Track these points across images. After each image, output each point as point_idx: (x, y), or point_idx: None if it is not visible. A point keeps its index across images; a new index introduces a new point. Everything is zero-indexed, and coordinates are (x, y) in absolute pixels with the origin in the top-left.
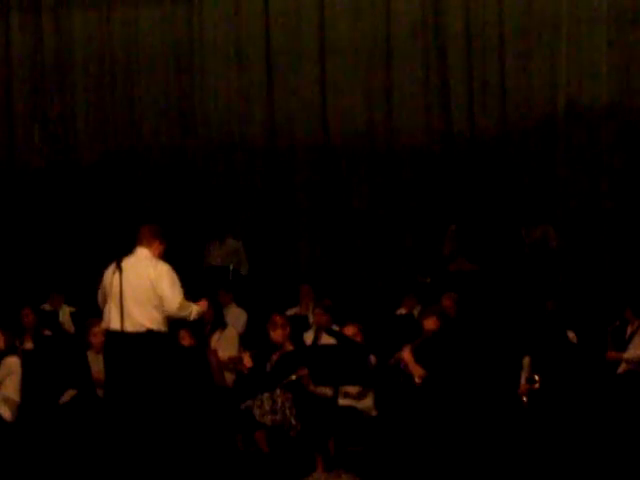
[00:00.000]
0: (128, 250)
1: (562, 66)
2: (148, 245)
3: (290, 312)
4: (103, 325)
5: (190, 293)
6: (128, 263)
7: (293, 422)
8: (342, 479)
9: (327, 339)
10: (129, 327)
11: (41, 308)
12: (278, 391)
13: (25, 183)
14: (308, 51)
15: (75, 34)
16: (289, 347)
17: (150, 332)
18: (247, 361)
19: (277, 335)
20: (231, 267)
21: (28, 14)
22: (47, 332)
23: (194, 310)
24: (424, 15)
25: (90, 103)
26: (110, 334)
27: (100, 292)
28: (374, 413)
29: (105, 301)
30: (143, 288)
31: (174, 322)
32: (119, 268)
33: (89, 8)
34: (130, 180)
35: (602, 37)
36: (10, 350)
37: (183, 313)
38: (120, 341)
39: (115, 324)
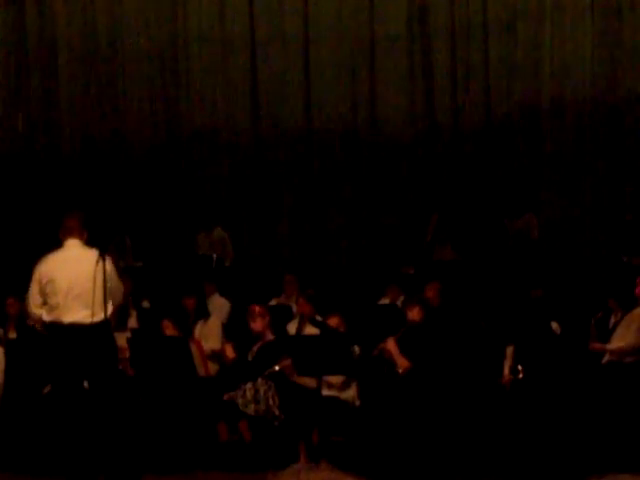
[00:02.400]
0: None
1: (546, 58)
2: (80, 235)
3: (273, 302)
4: (52, 318)
5: (180, 282)
6: (68, 255)
7: (276, 412)
8: (322, 470)
9: (311, 329)
10: (76, 318)
11: (25, 298)
12: (260, 381)
13: (8, 171)
14: (292, 41)
15: (59, 21)
16: (270, 336)
17: (96, 322)
18: (230, 352)
19: (257, 325)
20: (214, 256)
21: (11, 2)
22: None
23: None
24: (409, 5)
25: (74, 91)
26: (66, 327)
27: (36, 297)
28: (357, 403)
29: (44, 293)
30: (86, 279)
31: (157, 312)
32: (103, 258)
33: None
34: (114, 169)
35: (587, 29)
36: None
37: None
38: (83, 333)
39: (76, 317)
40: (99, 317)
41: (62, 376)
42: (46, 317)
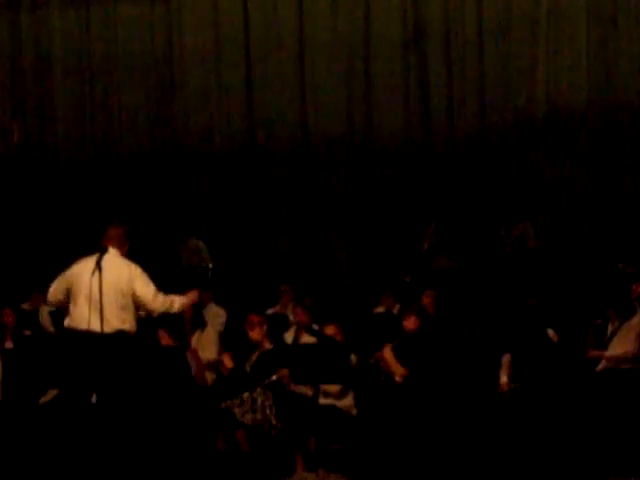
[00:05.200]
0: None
1: (541, 64)
2: (119, 245)
3: (270, 311)
4: (70, 323)
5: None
6: (100, 263)
7: (273, 421)
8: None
9: (307, 338)
10: (100, 327)
11: (21, 308)
12: (258, 390)
13: (2, 181)
14: (287, 50)
15: (54, 33)
16: (267, 345)
17: (121, 333)
18: (227, 362)
19: (255, 334)
20: (210, 266)
21: (6, 13)
22: (27, 332)
23: (176, 302)
24: (403, 13)
25: (69, 102)
26: (80, 334)
27: (58, 288)
28: (354, 412)
29: (65, 298)
30: (116, 288)
31: (152, 321)
32: (99, 268)
33: (68, 7)
34: (110, 179)
35: (582, 37)
36: None
37: (165, 308)
38: (95, 342)
39: (89, 324)
40: (113, 327)
41: (70, 383)
42: (65, 322)
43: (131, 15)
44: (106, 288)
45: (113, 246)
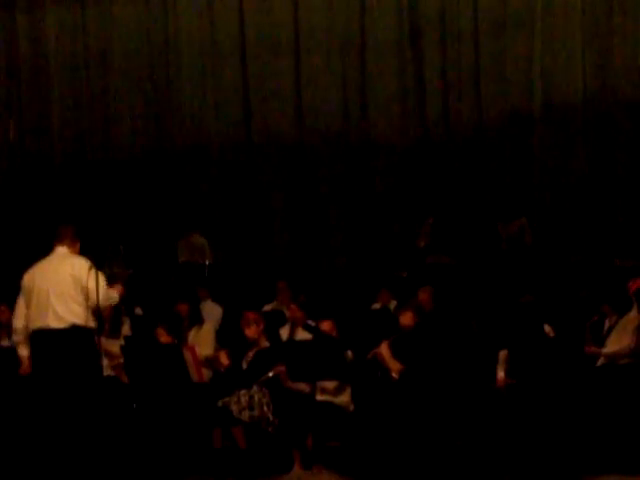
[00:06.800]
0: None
1: (537, 64)
2: (69, 244)
3: (267, 308)
4: (33, 325)
5: (165, 289)
6: (52, 261)
7: (270, 418)
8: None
9: (303, 334)
10: (55, 323)
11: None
12: (255, 387)
13: None
14: (283, 46)
15: (50, 31)
16: (264, 343)
17: (75, 327)
18: (224, 359)
19: (251, 332)
20: (207, 263)
21: (2, 12)
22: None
23: (115, 294)
24: (398, 10)
25: (65, 100)
26: (36, 333)
27: (21, 304)
28: (351, 408)
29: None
30: (66, 284)
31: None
32: (95, 267)
33: (63, 5)
34: (106, 177)
35: (577, 34)
36: None
37: (109, 302)
38: (51, 338)
39: (43, 322)
40: (73, 322)
41: (41, 382)
42: (29, 325)
43: (126, 12)
44: (56, 285)
45: (64, 245)
